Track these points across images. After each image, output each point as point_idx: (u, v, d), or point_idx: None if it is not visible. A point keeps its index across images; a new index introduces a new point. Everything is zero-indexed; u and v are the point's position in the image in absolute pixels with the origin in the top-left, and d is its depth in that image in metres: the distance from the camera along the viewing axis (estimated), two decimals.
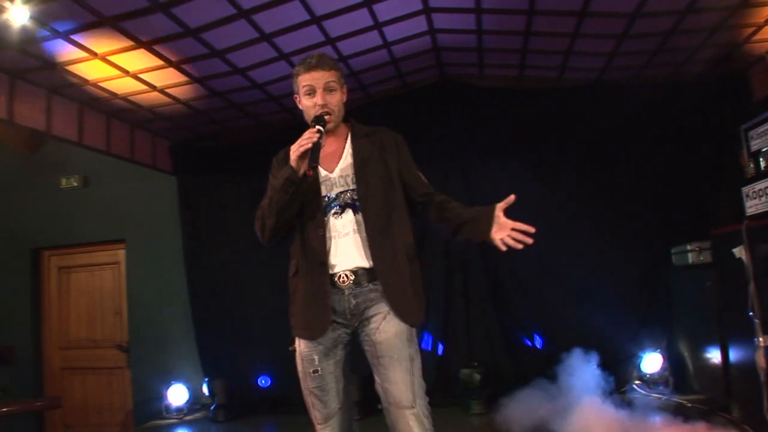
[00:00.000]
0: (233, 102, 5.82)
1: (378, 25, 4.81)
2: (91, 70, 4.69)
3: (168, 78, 5.02)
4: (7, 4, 3.47)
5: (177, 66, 4.82)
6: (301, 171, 2.43)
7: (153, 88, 5.16)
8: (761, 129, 3.99)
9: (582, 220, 5.91)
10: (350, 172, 2.61)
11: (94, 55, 4.42)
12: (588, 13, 4.60)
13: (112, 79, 4.89)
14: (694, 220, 5.16)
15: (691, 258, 5.06)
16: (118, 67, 4.68)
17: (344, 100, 2.67)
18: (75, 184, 7.34)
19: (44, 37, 4.03)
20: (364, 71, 5.65)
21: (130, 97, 5.33)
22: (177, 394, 6.32)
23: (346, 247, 2.56)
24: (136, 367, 6.92)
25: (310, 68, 2.57)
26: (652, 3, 4.37)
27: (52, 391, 7.23)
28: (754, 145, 4.07)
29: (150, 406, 6.55)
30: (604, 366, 5.26)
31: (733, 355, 4.41)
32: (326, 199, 2.60)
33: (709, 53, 5.32)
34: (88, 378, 7.31)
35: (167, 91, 5.27)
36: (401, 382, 2.48)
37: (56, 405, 4.89)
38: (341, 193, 2.60)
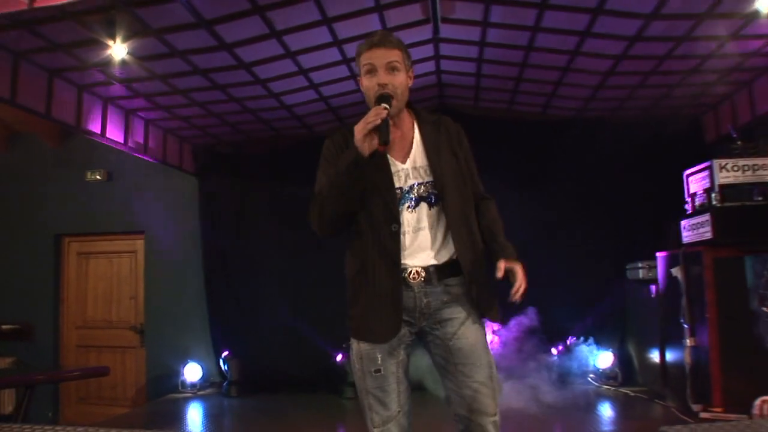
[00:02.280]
0: (260, 117, 6.71)
1: None
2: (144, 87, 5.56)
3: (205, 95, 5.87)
4: (110, 42, 4.30)
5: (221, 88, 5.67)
6: (368, 151, 2.22)
7: (192, 101, 6.04)
8: (697, 176, 5.04)
9: (556, 238, 6.94)
10: (424, 162, 2.43)
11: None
12: (570, 68, 5.64)
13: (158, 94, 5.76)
14: (646, 242, 6.19)
15: (641, 274, 6.11)
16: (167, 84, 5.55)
17: (410, 83, 2.45)
18: (99, 177, 8.05)
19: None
20: None
21: (171, 109, 6.19)
22: (192, 371, 7.16)
23: (421, 243, 2.39)
24: (151, 347, 7.73)
25: (371, 46, 2.37)
26: (623, 64, 5.40)
27: (67, 367, 7.93)
28: (692, 188, 5.12)
29: (164, 382, 7.38)
30: (562, 359, 6.36)
31: (669, 354, 5.46)
32: (399, 191, 2.40)
33: (671, 102, 6.43)
34: (103, 355, 8.02)
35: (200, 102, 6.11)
36: (485, 390, 2.37)
37: (105, 373, 5.65)
38: (415, 185, 2.41)
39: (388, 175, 2.37)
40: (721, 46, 5.04)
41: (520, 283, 2.34)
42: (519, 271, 2.36)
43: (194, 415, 6.36)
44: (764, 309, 4.68)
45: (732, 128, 5.35)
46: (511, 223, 5.05)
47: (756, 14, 4.30)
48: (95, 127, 5.78)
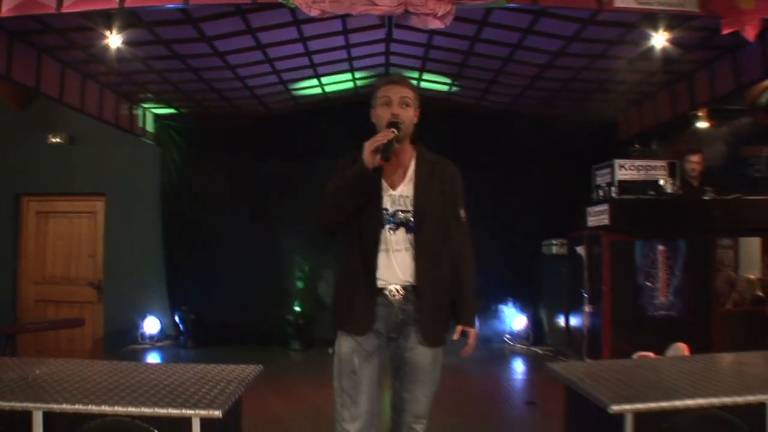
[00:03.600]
0: (224, 95, 7.34)
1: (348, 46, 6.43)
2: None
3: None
4: (107, 33, 4.85)
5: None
6: (372, 165, 2.56)
7: (165, 79, 6.58)
8: (602, 171, 6.04)
9: (484, 217, 7.87)
10: (410, 194, 2.72)
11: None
12: (502, 71, 6.53)
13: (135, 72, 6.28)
14: (561, 224, 7.14)
15: (554, 250, 7.18)
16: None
17: (416, 120, 2.78)
18: (61, 141, 8.45)
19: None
20: (325, 75, 7.27)
21: (142, 84, 6.71)
22: (150, 325, 7.84)
23: (399, 263, 2.69)
24: (109, 302, 8.31)
25: (390, 82, 2.77)
26: (560, 59, 6.30)
27: (29, 320, 8.38)
28: (598, 180, 6.12)
29: (123, 335, 8.00)
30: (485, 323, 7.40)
31: (572, 319, 6.53)
32: (385, 212, 2.70)
33: (590, 104, 7.43)
34: (61, 310, 8.48)
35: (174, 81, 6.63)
36: (423, 400, 2.76)
37: (80, 324, 6.27)
38: (398, 211, 2.70)
39: (378, 196, 2.69)
40: (627, 65, 6.03)
41: (470, 347, 2.79)
42: (472, 336, 2.77)
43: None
44: (648, 284, 5.78)
45: (633, 136, 6.37)
46: None
47: (653, 48, 5.30)
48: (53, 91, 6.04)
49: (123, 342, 7.92)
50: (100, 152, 8.32)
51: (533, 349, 7.33)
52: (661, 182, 5.83)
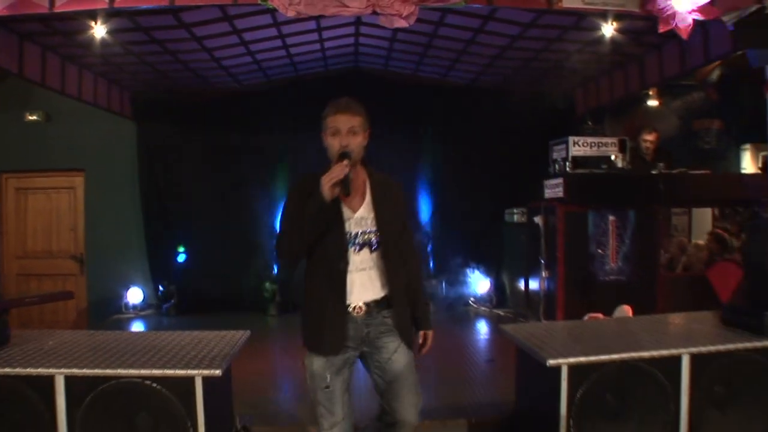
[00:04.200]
0: (198, 73, 7.61)
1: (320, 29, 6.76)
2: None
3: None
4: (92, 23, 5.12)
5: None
6: (330, 199, 2.66)
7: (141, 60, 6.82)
8: (558, 147, 6.49)
9: (448, 185, 8.40)
10: (370, 215, 2.88)
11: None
12: (465, 51, 6.92)
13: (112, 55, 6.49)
14: (520, 193, 7.65)
15: (515, 218, 7.67)
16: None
17: (365, 143, 2.88)
18: (38, 118, 8.62)
19: None
20: (299, 55, 7.59)
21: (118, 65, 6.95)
22: (134, 295, 8.20)
23: (362, 281, 2.85)
24: (92, 274, 8.61)
25: (337, 111, 2.83)
26: (508, 53, 6.69)
27: (8, 294, 8.62)
28: (554, 155, 6.57)
29: (107, 306, 8.33)
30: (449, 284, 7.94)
31: (531, 283, 7.05)
32: (348, 235, 2.84)
33: (549, 80, 7.85)
34: (44, 283, 8.74)
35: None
36: (411, 404, 2.93)
37: (70, 297, 6.58)
38: (361, 232, 2.86)
39: (340, 221, 2.82)
40: (582, 47, 6.47)
41: (427, 348, 3.06)
42: (430, 339, 3.06)
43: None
44: (599, 251, 6.28)
45: (586, 113, 6.83)
46: (414, 171, 6.77)
47: (603, 36, 5.75)
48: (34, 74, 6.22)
49: (107, 312, 8.25)
50: (77, 129, 8.49)
51: (496, 311, 7.87)
52: (612, 157, 6.32)
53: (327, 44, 7.26)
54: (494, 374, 5.23)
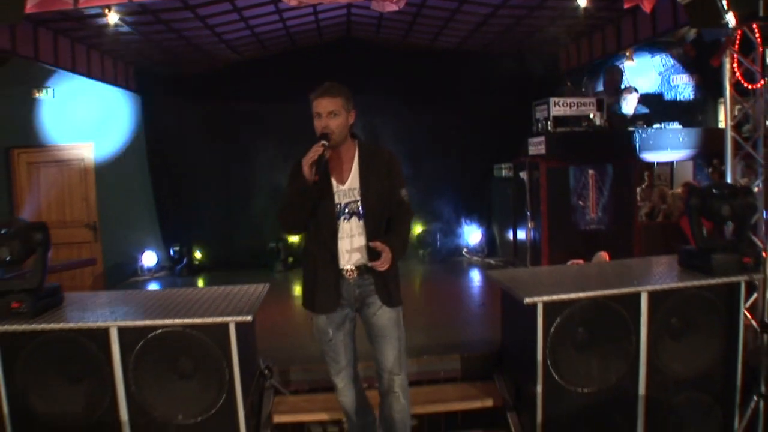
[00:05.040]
0: (199, 47, 8.00)
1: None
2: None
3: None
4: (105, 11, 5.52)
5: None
6: (310, 180, 2.97)
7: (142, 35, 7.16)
8: (540, 107, 6.96)
9: (440, 144, 8.96)
10: (357, 185, 3.17)
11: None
12: (458, 11, 7.31)
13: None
14: (507, 149, 8.16)
15: (503, 173, 8.20)
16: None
17: (350, 122, 3.17)
18: (45, 95, 9.03)
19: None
20: (295, 27, 7.97)
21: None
22: (148, 258, 8.73)
23: (352, 247, 3.17)
24: (107, 240, 9.14)
25: (318, 95, 3.12)
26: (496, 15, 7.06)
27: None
28: (537, 115, 7.04)
29: (122, 270, 8.89)
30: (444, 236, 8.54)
31: (519, 233, 7.61)
32: (338, 206, 3.16)
33: (534, 42, 8.28)
34: (60, 251, 9.07)
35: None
36: (392, 355, 3.27)
37: (93, 263, 7.12)
38: (349, 203, 3.16)
39: (330, 193, 3.16)
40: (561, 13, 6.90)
41: (381, 262, 3.09)
42: (387, 255, 3.09)
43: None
44: (580, 203, 6.82)
45: (566, 75, 7.28)
46: (405, 132, 7.39)
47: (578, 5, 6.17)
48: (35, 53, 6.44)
49: (123, 276, 8.81)
50: (84, 104, 8.93)
51: (487, 260, 8.50)
52: (591, 116, 6.80)
53: (321, 16, 7.64)
54: (485, 317, 5.82)
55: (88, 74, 7.53)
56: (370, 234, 3.17)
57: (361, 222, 3.19)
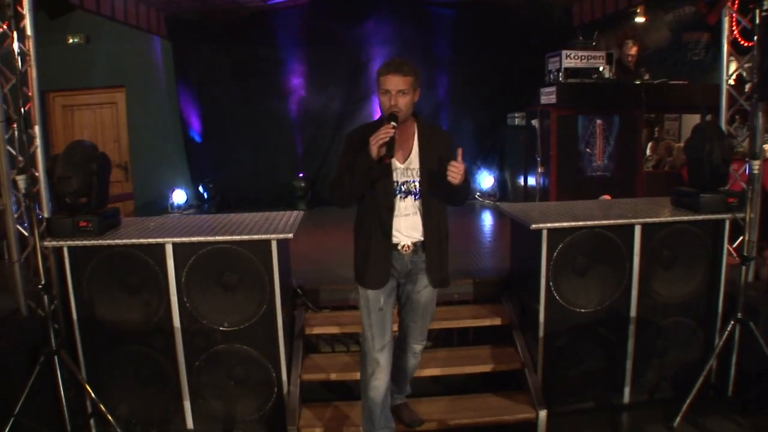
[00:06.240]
0: None
1: None
2: None
3: None
4: None
5: None
6: (377, 158, 2.93)
7: None
8: (553, 59, 7.30)
9: (458, 94, 9.38)
10: (416, 165, 3.18)
11: None
12: None
13: None
14: (520, 98, 8.53)
15: (516, 121, 8.62)
16: None
17: (415, 100, 3.11)
18: (79, 40, 9.45)
19: None
20: None
21: None
22: (178, 196, 9.27)
23: (408, 224, 3.20)
24: (137, 180, 9.68)
25: (389, 71, 3.03)
26: None
27: None
28: (549, 66, 7.39)
29: (152, 207, 9.40)
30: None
31: (529, 179, 8.04)
32: (395, 184, 3.16)
33: None
34: None
35: None
36: (422, 327, 3.54)
37: (131, 197, 7.63)
38: (406, 182, 3.17)
39: (389, 171, 3.14)
40: None
41: (455, 172, 3.02)
42: (461, 167, 3.04)
43: None
44: (587, 150, 7.22)
45: (578, 28, 7.58)
46: (425, 83, 7.83)
47: None
48: None
49: (153, 213, 9.24)
50: (116, 49, 9.33)
51: (498, 203, 8.96)
52: (601, 68, 7.15)
53: None
54: (495, 250, 6.31)
55: (124, 21, 7.89)
56: (426, 213, 3.23)
57: (417, 201, 3.21)
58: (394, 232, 3.21)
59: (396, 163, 3.18)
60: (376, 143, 2.91)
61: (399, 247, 3.24)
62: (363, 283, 3.31)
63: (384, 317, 3.30)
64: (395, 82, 3.03)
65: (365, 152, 2.96)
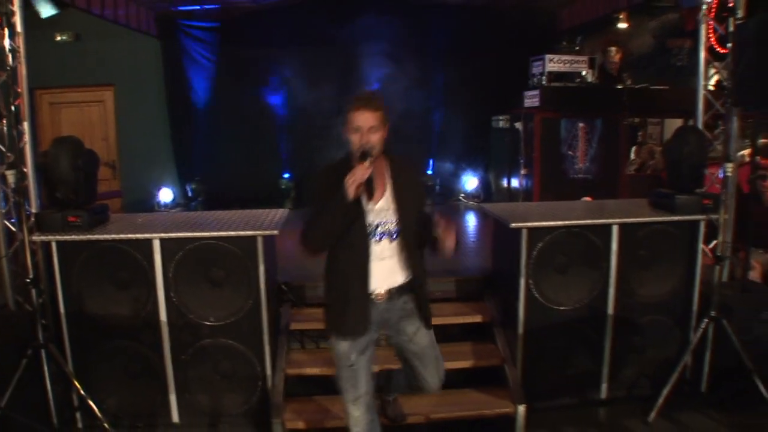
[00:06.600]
0: None
1: None
2: None
3: None
4: None
5: None
6: (353, 198, 2.74)
7: None
8: (537, 63, 7.43)
9: (444, 97, 9.53)
10: (390, 206, 2.95)
11: None
12: None
13: None
14: (505, 102, 8.64)
15: (501, 124, 8.73)
16: None
17: (385, 135, 2.90)
18: (67, 38, 9.46)
19: None
20: None
21: None
22: (165, 194, 9.32)
23: (383, 270, 2.96)
24: (125, 178, 9.71)
25: (359, 108, 2.82)
26: None
27: None
28: (533, 70, 7.52)
29: (139, 205, 9.42)
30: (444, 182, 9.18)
31: (513, 180, 8.17)
32: (369, 227, 2.91)
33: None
34: None
35: None
36: (435, 374, 3.24)
37: (119, 195, 7.68)
38: (381, 223, 2.93)
39: (362, 211, 2.90)
40: None
41: (449, 239, 2.92)
42: (452, 236, 2.93)
43: None
44: (570, 153, 7.35)
45: (563, 33, 7.73)
46: (413, 85, 7.94)
47: None
48: None
49: (140, 211, 9.33)
50: (105, 47, 9.34)
51: (483, 205, 9.07)
52: (583, 73, 7.29)
53: None
54: (478, 250, 6.42)
55: (114, 19, 7.93)
56: (405, 255, 3.01)
57: (394, 243, 2.99)
58: (371, 279, 2.98)
59: (369, 204, 2.95)
60: (353, 183, 2.73)
61: (372, 296, 3.01)
62: (338, 332, 3.06)
63: (356, 372, 3.07)
64: (366, 119, 2.84)
65: (341, 194, 2.75)
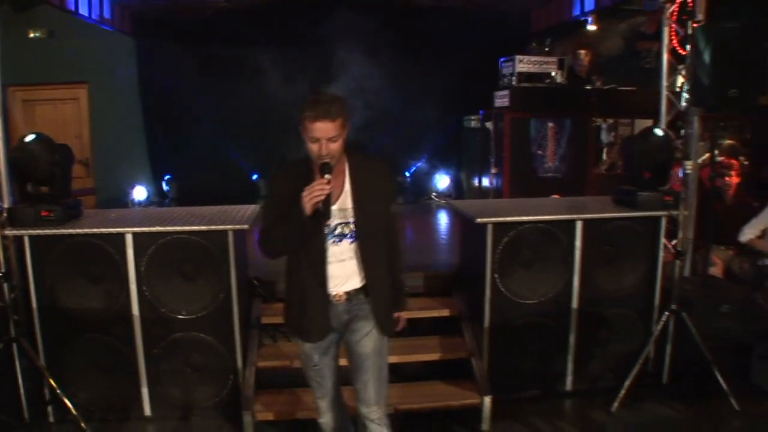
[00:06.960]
0: None
1: None
2: None
3: None
4: None
5: None
6: (311, 213, 2.63)
7: None
8: (507, 63, 7.57)
9: (417, 96, 9.59)
10: (349, 206, 2.84)
11: None
12: None
13: None
14: (477, 102, 8.76)
15: (472, 124, 8.88)
16: None
17: (345, 138, 2.75)
18: (41, 35, 9.39)
19: None
20: None
21: None
22: (139, 192, 9.33)
23: (342, 272, 2.88)
24: (99, 175, 9.68)
25: (317, 118, 2.63)
26: None
27: None
28: (503, 71, 7.65)
29: (113, 203, 9.39)
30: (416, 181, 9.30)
31: (484, 179, 8.31)
32: (327, 228, 2.82)
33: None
34: None
35: None
36: (373, 389, 3.01)
37: (93, 192, 7.67)
38: (339, 224, 2.83)
39: (320, 227, 2.79)
40: None
41: (401, 326, 3.21)
42: (402, 320, 3.20)
43: None
44: (539, 152, 7.50)
45: (534, 35, 7.89)
46: (387, 84, 7.99)
47: None
48: None
49: (114, 208, 9.34)
50: (80, 45, 9.21)
51: (453, 203, 9.23)
52: (553, 74, 7.44)
53: None
54: (448, 247, 6.56)
55: (88, 16, 7.93)
56: (363, 257, 2.91)
57: (353, 245, 2.90)
58: (330, 282, 2.90)
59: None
60: (310, 200, 2.62)
61: (332, 298, 2.93)
62: (299, 335, 3.05)
63: (320, 371, 3.09)
64: (325, 130, 2.66)
65: (298, 208, 2.65)
